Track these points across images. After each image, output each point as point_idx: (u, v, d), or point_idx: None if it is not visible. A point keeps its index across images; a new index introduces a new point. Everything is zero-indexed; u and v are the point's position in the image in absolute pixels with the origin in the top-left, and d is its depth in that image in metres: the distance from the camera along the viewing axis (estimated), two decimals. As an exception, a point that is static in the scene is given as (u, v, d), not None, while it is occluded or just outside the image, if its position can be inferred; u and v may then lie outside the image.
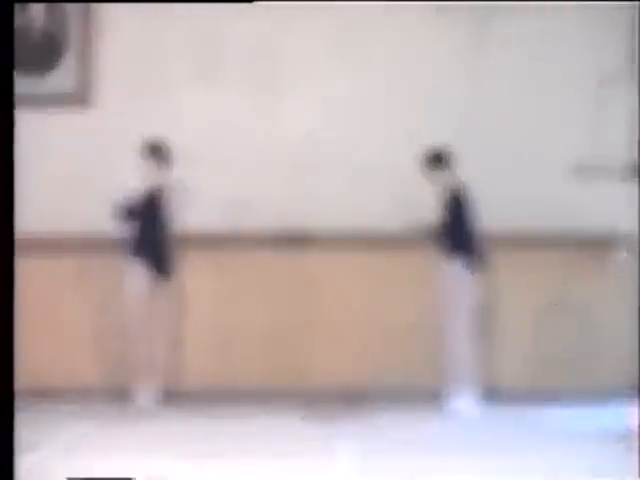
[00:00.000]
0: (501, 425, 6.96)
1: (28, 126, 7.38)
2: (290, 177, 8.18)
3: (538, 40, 8.20)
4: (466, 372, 7.42)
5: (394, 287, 8.03)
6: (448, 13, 8.17)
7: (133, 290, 7.56)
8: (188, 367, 8.03)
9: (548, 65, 8.18)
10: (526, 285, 8.05)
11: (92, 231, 7.98)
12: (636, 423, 6.44)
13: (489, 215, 7.61)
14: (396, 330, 7.94)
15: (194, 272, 8.02)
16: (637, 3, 7.93)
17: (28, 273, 6.77)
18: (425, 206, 7.64)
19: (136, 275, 7.56)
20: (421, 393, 7.69)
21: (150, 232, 7.61)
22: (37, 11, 8.34)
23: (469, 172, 7.63)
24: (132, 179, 7.70)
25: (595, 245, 8.00)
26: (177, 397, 7.73)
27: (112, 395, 7.80)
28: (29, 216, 7.24)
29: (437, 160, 7.56)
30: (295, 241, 8.05)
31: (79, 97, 8.27)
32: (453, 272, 7.41)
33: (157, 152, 7.67)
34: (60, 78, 8.28)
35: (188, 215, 7.91)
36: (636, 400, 7.06)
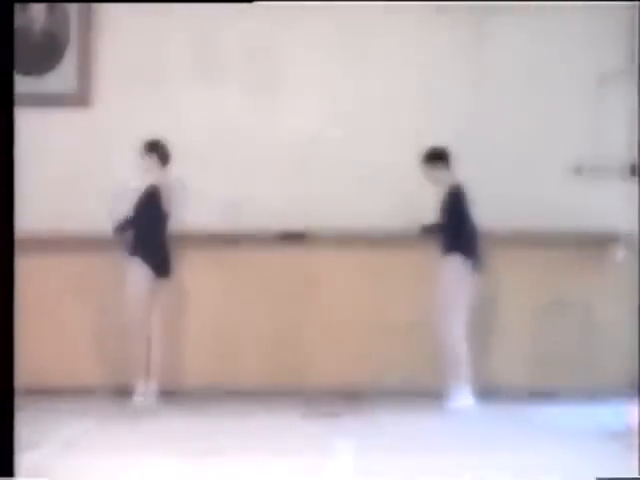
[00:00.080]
0: (501, 423, 6.96)
1: (28, 125, 7.39)
2: (290, 176, 8.19)
3: (538, 40, 8.21)
4: (463, 370, 7.43)
5: (394, 286, 8.04)
6: (448, 13, 8.18)
7: (134, 289, 7.56)
8: (188, 365, 8.05)
9: (548, 65, 8.19)
10: (526, 284, 8.06)
11: (92, 230, 7.99)
12: (636, 421, 6.44)
13: (489, 214, 7.62)
14: (396, 329, 7.94)
15: (194, 271, 8.04)
16: (637, 3, 7.94)
17: (28, 272, 6.76)
18: (425, 205, 7.65)
19: (136, 274, 7.56)
20: (421, 391, 7.70)
21: (150, 231, 7.62)
22: (37, 11, 8.35)
23: (470, 171, 7.65)
24: (132, 178, 7.71)
25: (595, 245, 8.01)
26: (177, 395, 7.75)
27: (112, 393, 7.82)
28: (29, 215, 7.24)
29: (436, 158, 7.58)
30: (295, 240, 8.06)
31: (79, 97, 8.28)
32: (451, 270, 7.42)
33: (157, 151, 7.67)
34: (60, 78, 8.29)
35: (188, 214, 7.93)
36: (636, 399, 7.06)
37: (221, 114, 8.23)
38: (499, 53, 8.25)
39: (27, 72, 8.13)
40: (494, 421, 7.04)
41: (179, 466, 5.65)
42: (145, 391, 7.61)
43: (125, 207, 7.66)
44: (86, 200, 8.17)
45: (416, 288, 7.76)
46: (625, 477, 5.16)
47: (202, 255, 8.07)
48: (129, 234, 7.64)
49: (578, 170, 8.14)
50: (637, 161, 8.06)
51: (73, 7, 8.33)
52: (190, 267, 8.03)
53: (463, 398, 7.40)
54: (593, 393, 7.78)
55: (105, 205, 8.08)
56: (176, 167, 7.75)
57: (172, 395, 7.70)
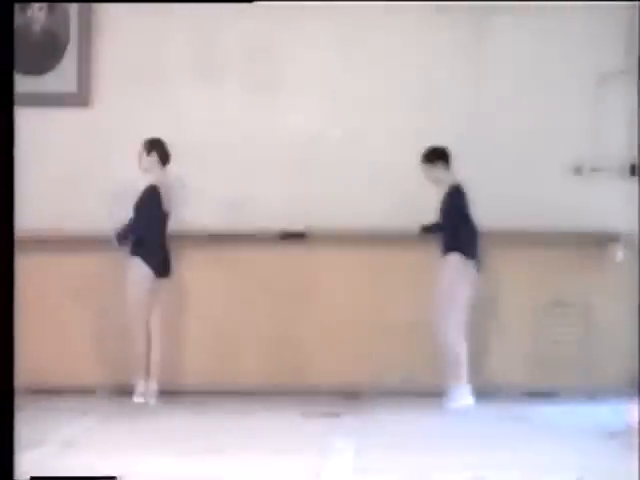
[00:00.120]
0: (500, 423, 6.96)
1: (28, 125, 7.41)
2: (290, 176, 8.19)
3: (538, 40, 8.21)
4: (463, 370, 7.43)
5: (394, 286, 8.04)
6: (448, 13, 8.18)
7: (134, 289, 7.56)
8: (188, 365, 8.06)
9: (548, 65, 8.19)
10: (526, 284, 8.06)
11: (92, 230, 7.99)
12: (636, 420, 6.45)
13: (489, 214, 7.63)
14: (396, 329, 7.94)
15: (194, 271, 8.05)
16: (637, 3, 7.94)
17: (28, 271, 6.78)
18: (425, 205, 7.66)
19: (137, 274, 7.56)
20: (421, 391, 7.71)
21: (150, 231, 7.62)
22: (37, 11, 8.35)
23: (470, 171, 7.66)
24: (132, 178, 7.71)
25: (595, 245, 8.01)
26: (177, 395, 7.75)
27: (112, 393, 7.82)
28: (29, 215, 7.27)
29: (436, 158, 7.58)
30: (295, 240, 8.06)
31: (79, 97, 8.28)
32: (451, 269, 7.42)
33: (157, 149, 7.68)
34: (60, 78, 8.29)
35: (187, 213, 7.94)
36: (636, 398, 7.07)
37: (221, 114, 8.24)
38: (499, 53, 8.25)
39: (27, 72, 8.13)
40: (494, 420, 7.04)
41: (179, 465, 5.65)
42: (145, 390, 7.61)
43: (125, 207, 7.66)
44: (86, 200, 8.17)
45: (416, 288, 7.77)
46: None
47: (202, 255, 8.08)
48: (129, 233, 7.66)
49: (578, 170, 8.14)
50: (637, 161, 8.07)
51: (73, 7, 8.33)
52: (190, 267, 8.04)
53: (463, 398, 7.41)
54: (593, 393, 7.79)
55: (105, 205, 8.10)
56: (176, 167, 7.76)
57: (172, 394, 7.70)
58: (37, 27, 8.35)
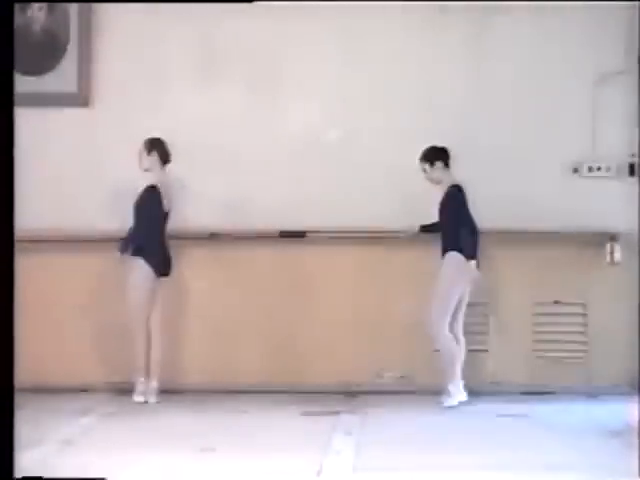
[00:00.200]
0: (500, 422, 6.96)
1: (28, 125, 7.42)
2: (290, 176, 8.20)
3: (538, 40, 8.21)
4: (458, 367, 7.44)
5: (394, 286, 8.05)
6: (448, 13, 8.18)
7: (136, 289, 7.56)
8: (188, 364, 8.06)
9: (548, 65, 8.19)
10: (526, 284, 8.07)
11: (92, 230, 8.00)
12: (636, 420, 6.45)
13: (489, 214, 7.64)
14: (396, 328, 7.95)
15: (194, 270, 8.06)
16: (637, 3, 7.94)
17: (28, 271, 6.80)
18: (425, 205, 7.66)
19: (138, 274, 7.56)
20: (420, 390, 7.73)
21: (151, 230, 7.62)
22: (37, 11, 8.36)
23: (470, 171, 7.66)
24: (132, 178, 7.72)
25: (594, 245, 8.02)
26: (177, 393, 7.76)
27: (112, 392, 7.83)
28: (29, 215, 7.28)
29: (435, 158, 7.59)
30: (295, 239, 8.07)
31: (79, 97, 8.29)
32: (450, 269, 7.42)
33: (157, 149, 7.68)
34: (60, 78, 8.29)
35: (188, 213, 7.95)
36: (636, 397, 7.08)
37: (221, 114, 8.24)
38: (499, 53, 8.25)
39: (27, 72, 8.13)
40: (493, 419, 7.04)
41: (179, 463, 5.66)
42: (145, 389, 7.62)
43: (125, 207, 7.67)
44: (86, 200, 8.18)
45: (416, 288, 7.76)
46: None
47: (202, 254, 8.09)
48: (129, 235, 7.66)
49: (577, 170, 8.15)
50: (636, 161, 8.08)
51: (73, 7, 8.33)
52: (190, 266, 8.05)
53: (456, 394, 7.41)
54: (593, 392, 7.80)
55: (105, 205, 8.10)
56: (176, 166, 7.76)
57: (172, 393, 7.71)
58: (37, 27, 8.37)
